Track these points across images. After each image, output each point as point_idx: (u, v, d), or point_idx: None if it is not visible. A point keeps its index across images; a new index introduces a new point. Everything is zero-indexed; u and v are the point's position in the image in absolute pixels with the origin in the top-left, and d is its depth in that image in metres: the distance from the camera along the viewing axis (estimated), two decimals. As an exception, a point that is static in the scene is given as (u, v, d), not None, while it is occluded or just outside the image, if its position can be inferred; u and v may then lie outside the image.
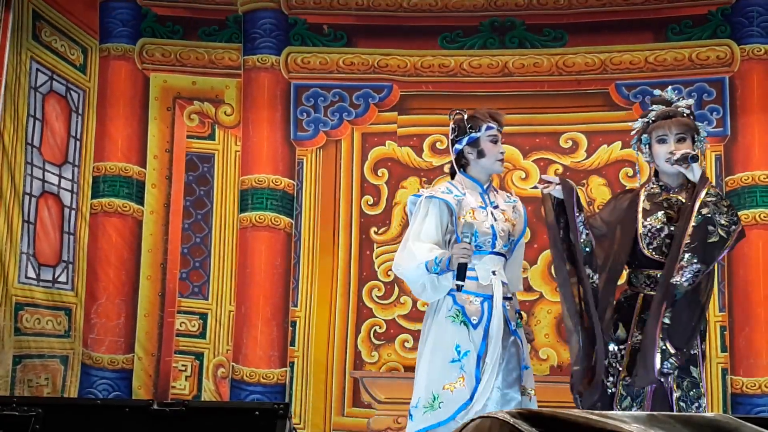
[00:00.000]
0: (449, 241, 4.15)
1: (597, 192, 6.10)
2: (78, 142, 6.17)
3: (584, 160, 6.16)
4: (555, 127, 6.21)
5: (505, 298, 4.16)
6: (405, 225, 6.21)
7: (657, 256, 4.08)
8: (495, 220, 4.20)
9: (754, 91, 5.94)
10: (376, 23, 6.34)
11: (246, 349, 6.07)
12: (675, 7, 6.13)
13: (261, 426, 2.78)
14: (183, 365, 6.17)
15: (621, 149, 6.13)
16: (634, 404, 4.01)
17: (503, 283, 4.18)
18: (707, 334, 4.26)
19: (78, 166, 6.15)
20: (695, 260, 3.96)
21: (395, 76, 6.31)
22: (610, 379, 4.04)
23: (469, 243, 4.03)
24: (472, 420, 2.35)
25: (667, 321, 3.97)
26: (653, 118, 4.25)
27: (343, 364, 6.11)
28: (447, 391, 4.01)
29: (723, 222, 3.97)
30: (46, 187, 5.90)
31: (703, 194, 4.01)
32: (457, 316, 4.09)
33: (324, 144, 6.32)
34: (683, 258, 3.97)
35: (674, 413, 2.63)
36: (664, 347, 3.97)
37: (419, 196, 4.23)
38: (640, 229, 4.15)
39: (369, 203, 6.27)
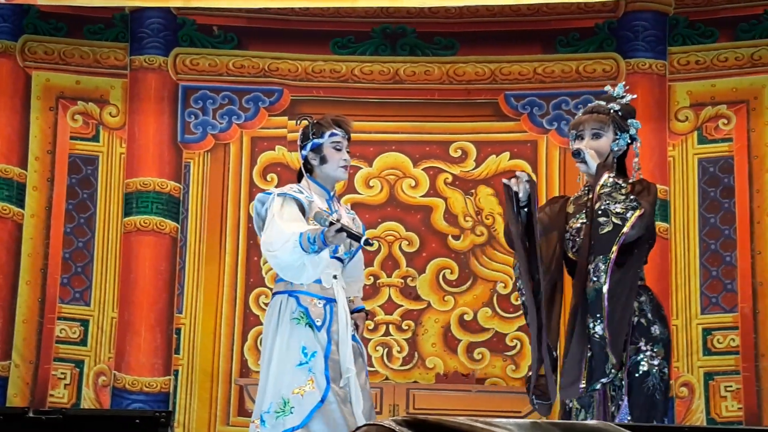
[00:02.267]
0: None
1: (485, 202, 6.16)
2: (-46, 143, 5.97)
3: (473, 169, 6.21)
4: (445, 136, 6.24)
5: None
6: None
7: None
8: None
9: (638, 105, 6.04)
10: (268, 26, 6.29)
11: (129, 357, 5.95)
12: (563, 19, 6.22)
13: (142, 434, 2.72)
14: (62, 373, 6.00)
15: (509, 159, 6.19)
16: (588, 414, 3.93)
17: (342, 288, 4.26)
18: None
19: (-46, 168, 5.95)
20: (601, 257, 3.85)
21: (286, 81, 6.26)
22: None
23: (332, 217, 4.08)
24: (359, 428, 2.33)
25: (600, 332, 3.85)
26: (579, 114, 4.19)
27: (229, 372, 6.03)
28: (297, 395, 4.05)
29: (618, 210, 3.88)
30: None
31: (597, 188, 3.95)
32: (302, 318, 4.14)
33: (212, 147, 6.24)
34: (593, 261, 3.90)
35: (558, 421, 2.62)
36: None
37: (269, 194, 4.29)
38: (566, 235, 4.11)
39: (257, 208, 6.19)
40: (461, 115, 6.19)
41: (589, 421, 3.66)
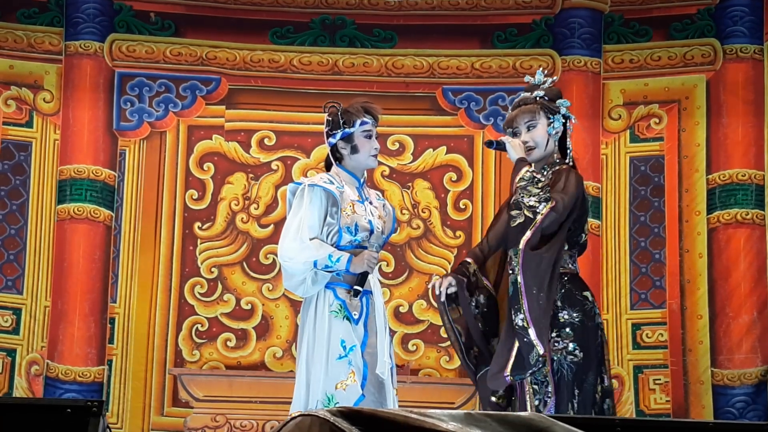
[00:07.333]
0: (329, 233, 4.13)
1: (421, 195, 6.19)
2: None
3: (410, 162, 6.24)
4: (383, 129, 6.17)
5: None
6: (230, 221, 6.16)
7: None
8: (372, 215, 4.22)
9: (573, 101, 6.10)
10: (206, 14, 6.24)
11: (62, 346, 5.89)
12: (501, 14, 6.27)
13: (73, 424, 2.69)
14: (-7, 362, 5.94)
15: (446, 154, 6.23)
16: (509, 409, 3.94)
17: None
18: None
19: None
20: (512, 249, 3.90)
21: (224, 70, 6.23)
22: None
23: (377, 252, 4.11)
24: (293, 417, 2.36)
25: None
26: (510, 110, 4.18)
27: (163, 362, 6.00)
28: (340, 390, 4.03)
29: (532, 203, 3.91)
30: None
31: (516, 181, 3.97)
32: (340, 310, 4.11)
33: (148, 135, 6.18)
34: (509, 253, 3.94)
35: (491, 412, 2.65)
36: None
37: (299, 183, 4.21)
38: None
39: (194, 197, 6.17)
40: (399, 108, 6.21)
41: (522, 413, 3.70)
